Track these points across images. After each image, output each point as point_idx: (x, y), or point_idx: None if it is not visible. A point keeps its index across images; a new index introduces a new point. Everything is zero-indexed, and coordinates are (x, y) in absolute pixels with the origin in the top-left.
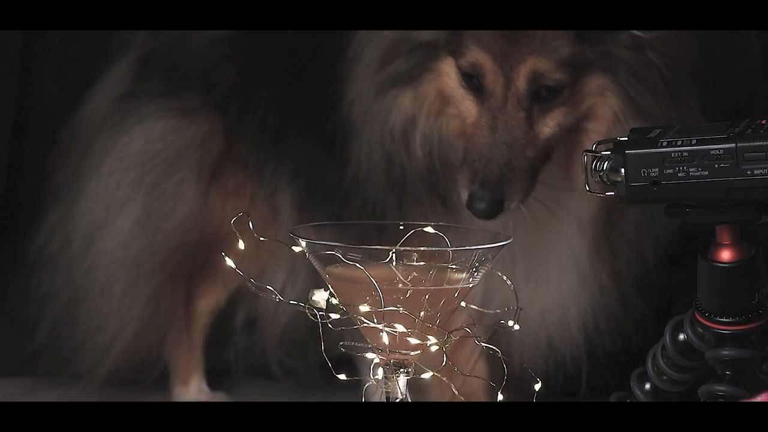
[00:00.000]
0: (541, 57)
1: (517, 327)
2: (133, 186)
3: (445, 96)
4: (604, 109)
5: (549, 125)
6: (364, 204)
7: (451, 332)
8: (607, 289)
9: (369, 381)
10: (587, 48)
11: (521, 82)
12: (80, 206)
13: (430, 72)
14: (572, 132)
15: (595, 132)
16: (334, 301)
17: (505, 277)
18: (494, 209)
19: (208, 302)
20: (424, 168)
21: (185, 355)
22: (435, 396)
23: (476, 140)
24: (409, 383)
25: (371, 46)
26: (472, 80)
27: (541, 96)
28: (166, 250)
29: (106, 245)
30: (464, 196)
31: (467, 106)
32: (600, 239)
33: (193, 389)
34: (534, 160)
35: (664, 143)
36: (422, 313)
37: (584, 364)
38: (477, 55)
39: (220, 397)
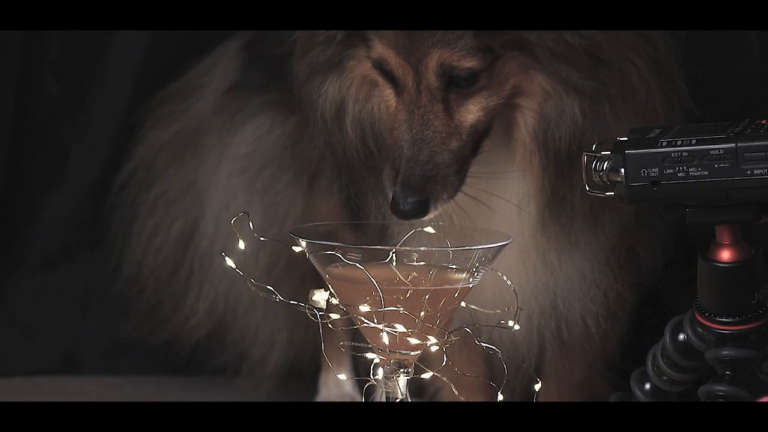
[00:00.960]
0: (446, 48)
1: (517, 327)
2: (249, 191)
3: (370, 80)
4: (532, 86)
5: (472, 111)
6: (332, 182)
7: (451, 332)
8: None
9: (369, 381)
10: (491, 38)
11: (430, 75)
12: (201, 213)
13: (351, 59)
14: (505, 108)
15: (528, 108)
16: (334, 301)
17: (505, 277)
18: (418, 211)
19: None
20: (360, 151)
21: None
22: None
23: (396, 136)
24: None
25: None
26: (385, 73)
27: (458, 84)
28: (286, 257)
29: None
30: (389, 196)
31: (388, 95)
32: (547, 211)
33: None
34: (460, 150)
35: (664, 143)
36: (422, 313)
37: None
38: (381, 49)
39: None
